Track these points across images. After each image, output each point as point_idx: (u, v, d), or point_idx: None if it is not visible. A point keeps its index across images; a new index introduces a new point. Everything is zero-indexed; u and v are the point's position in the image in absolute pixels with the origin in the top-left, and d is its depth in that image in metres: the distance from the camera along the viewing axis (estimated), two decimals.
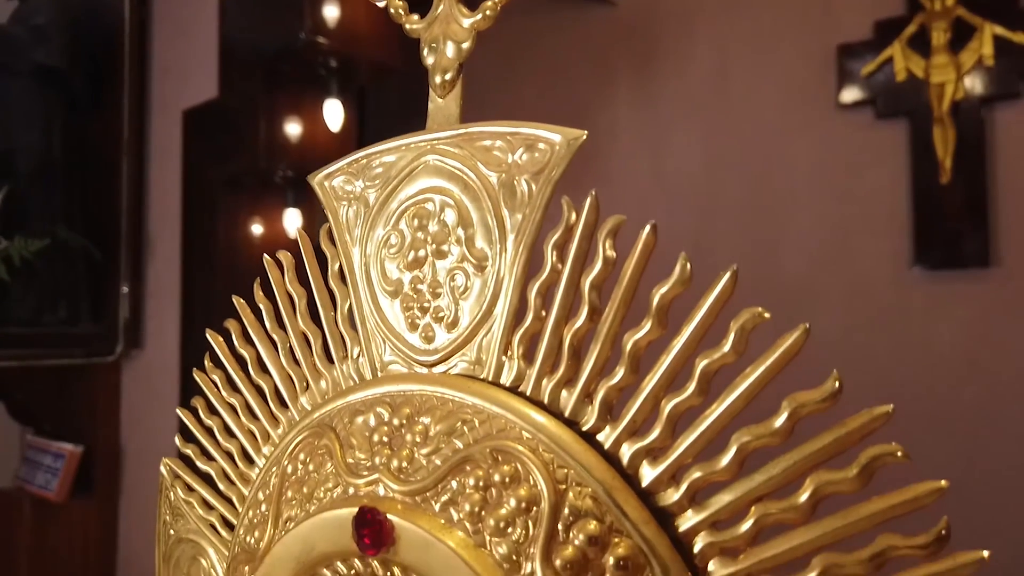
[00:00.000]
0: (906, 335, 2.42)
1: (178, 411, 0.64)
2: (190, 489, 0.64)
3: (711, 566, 0.41)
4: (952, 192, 2.54)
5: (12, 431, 2.99)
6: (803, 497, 0.38)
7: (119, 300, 2.74)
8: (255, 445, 0.59)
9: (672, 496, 0.42)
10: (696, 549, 0.41)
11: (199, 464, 0.62)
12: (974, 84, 2.55)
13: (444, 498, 0.45)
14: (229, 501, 0.61)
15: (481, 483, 0.44)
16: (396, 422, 0.48)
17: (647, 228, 0.41)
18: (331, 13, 2.29)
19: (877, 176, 2.62)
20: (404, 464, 0.47)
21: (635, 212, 0.41)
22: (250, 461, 0.59)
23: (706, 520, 0.41)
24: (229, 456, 0.60)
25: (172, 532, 0.66)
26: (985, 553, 0.35)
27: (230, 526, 0.60)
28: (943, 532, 0.36)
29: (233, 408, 0.60)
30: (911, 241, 2.47)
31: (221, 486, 0.61)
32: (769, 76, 2.83)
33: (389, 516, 0.45)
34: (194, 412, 0.63)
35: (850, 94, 2.74)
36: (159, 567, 0.67)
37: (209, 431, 0.62)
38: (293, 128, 2.41)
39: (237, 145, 2.48)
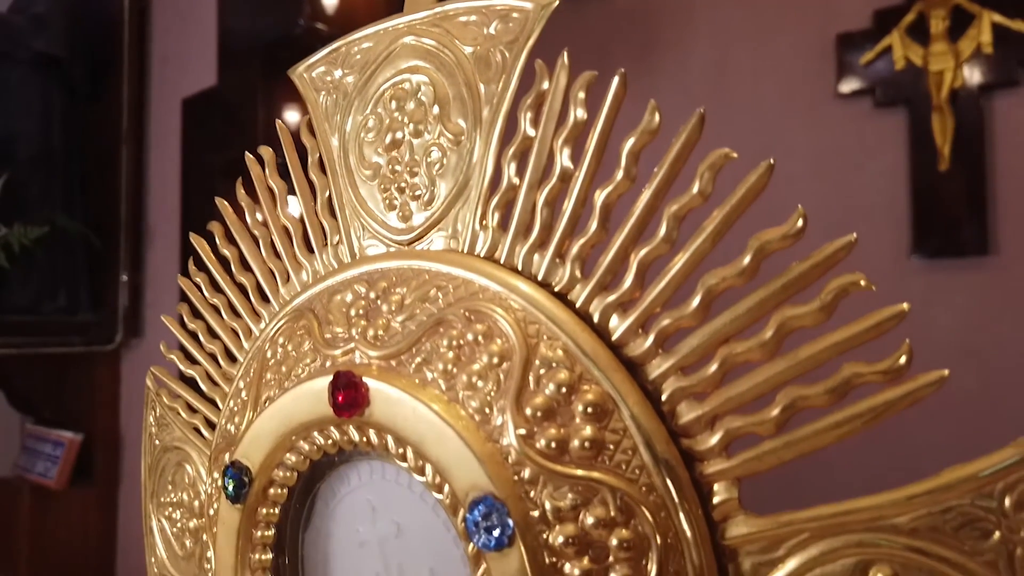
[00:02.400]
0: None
1: (162, 318, 0.64)
2: (175, 396, 0.64)
3: (679, 410, 0.41)
4: (951, 180, 2.54)
5: (12, 420, 2.99)
6: (768, 334, 0.39)
7: (118, 288, 2.75)
8: (237, 343, 0.59)
9: (641, 346, 0.42)
10: (665, 396, 0.41)
11: (184, 369, 0.62)
12: (973, 72, 2.55)
13: (418, 360, 0.45)
14: (213, 403, 0.61)
15: (454, 343, 0.44)
16: (372, 295, 0.49)
17: (616, 79, 0.42)
18: (330, 0, 2.30)
19: (876, 165, 2.62)
20: (380, 332, 0.47)
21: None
22: (233, 360, 0.60)
23: (674, 366, 0.41)
24: (213, 358, 0.61)
25: (158, 442, 0.66)
26: (945, 372, 0.35)
27: (213, 427, 0.60)
28: (905, 357, 0.36)
29: (216, 309, 0.60)
30: (910, 229, 2.47)
31: (204, 388, 0.61)
32: (768, 66, 2.83)
33: (364, 379, 0.45)
34: (179, 319, 0.63)
35: (849, 83, 2.74)
36: (145, 480, 0.68)
37: (193, 335, 0.62)
38: (292, 115, 2.41)
39: (236, 133, 2.48)
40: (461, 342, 0.44)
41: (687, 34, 2.83)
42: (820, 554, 0.37)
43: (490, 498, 0.40)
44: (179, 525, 0.64)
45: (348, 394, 0.45)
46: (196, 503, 0.62)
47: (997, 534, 0.34)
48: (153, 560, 0.67)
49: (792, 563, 0.38)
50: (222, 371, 0.60)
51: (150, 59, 2.77)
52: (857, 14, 2.68)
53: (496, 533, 0.40)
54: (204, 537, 0.60)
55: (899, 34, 2.63)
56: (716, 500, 0.40)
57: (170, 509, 0.65)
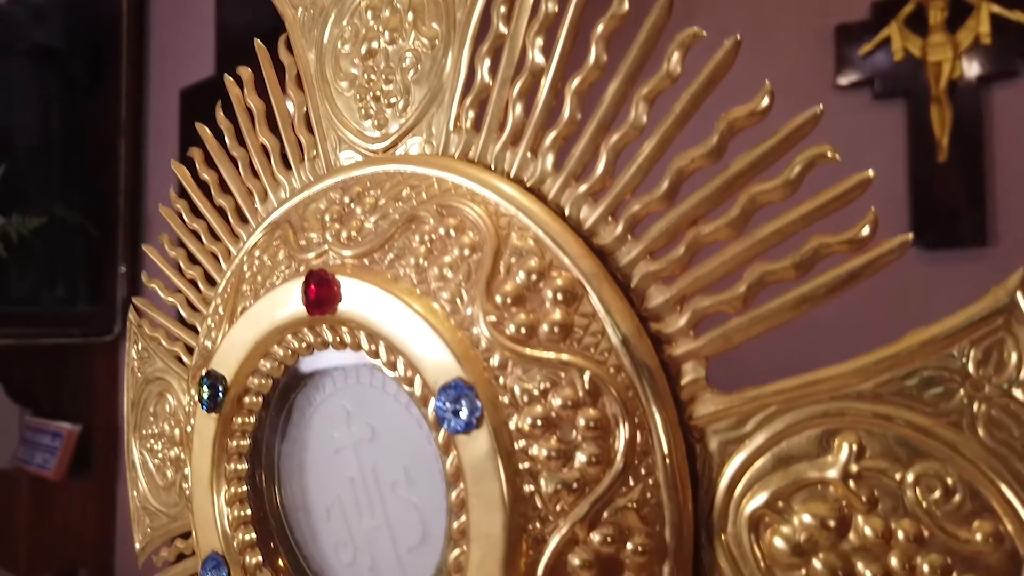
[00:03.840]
0: (903, 314, 2.41)
1: (144, 248, 0.64)
2: (155, 326, 0.64)
3: (649, 294, 0.41)
4: (949, 171, 2.53)
5: (11, 412, 2.99)
6: (735, 211, 0.38)
7: (117, 280, 2.75)
8: (217, 266, 0.59)
9: (612, 233, 0.42)
10: (634, 282, 0.41)
11: (164, 298, 0.62)
12: (971, 63, 2.55)
13: (390, 256, 0.45)
14: (194, 329, 0.61)
15: (426, 237, 0.44)
16: (347, 200, 0.49)
17: None
18: None
19: (874, 157, 2.61)
20: (353, 233, 0.47)
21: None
22: (213, 284, 0.60)
23: (643, 251, 0.41)
24: (193, 284, 0.61)
25: (140, 376, 0.66)
26: (909, 235, 0.35)
27: (193, 353, 0.60)
28: (870, 225, 0.36)
29: (197, 235, 0.60)
30: (908, 220, 2.46)
31: (185, 314, 0.61)
32: (767, 58, 2.83)
33: (337, 277, 0.45)
34: (159, 249, 0.63)
35: (847, 75, 2.73)
36: (127, 415, 0.68)
37: (175, 263, 0.62)
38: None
39: (235, 124, 2.48)
40: (433, 237, 0.44)
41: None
42: (786, 427, 0.37)
43: (459, 382, 0.40)
44: (160, 456, 0.64)
45: (320, 290, 0.45)
46: (176, 431, 0.62)
47: (961, 392, 0.34)
48: (135, 494, 0.67)
49: (759, 438, 0.38)
50: (202, 295, 0.60)
51: (148, 51, 2.78)
52: (855, 6, 2.68)
53: (464, 415, 0.40)
54: (183, 463, 0.60)
55: (898, 25, 2.62)
56: (684, 381, 0.40)
57: (152, 441, 0.65)
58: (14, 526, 2.74)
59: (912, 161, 2.51)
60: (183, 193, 0.62)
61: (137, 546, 0.67)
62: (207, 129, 0.60)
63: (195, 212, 0.61)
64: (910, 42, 2.62)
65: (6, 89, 2.67)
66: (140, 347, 0.67)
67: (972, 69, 2.52)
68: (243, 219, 0.58)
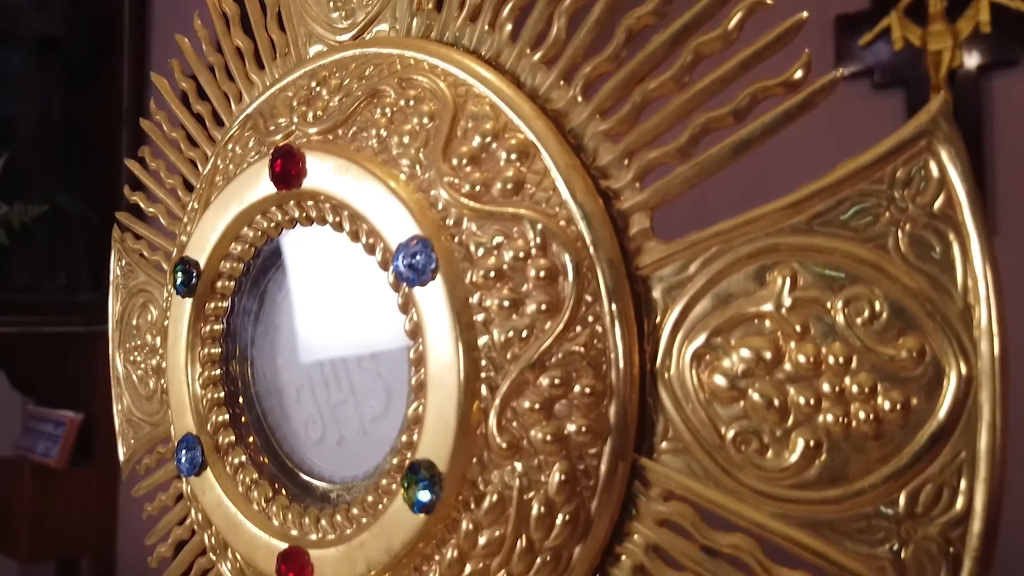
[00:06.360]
0: None
1: (126, 162, 0.66)
2: (138, 238, 0.66)
3: (598, 152, 0.42)
4: None
5: (13, 401, 3.01)
6: (679, 64, 0.40)
7: None
8: (195, 172, 0.61)
9: (564, 97, 0.44)
10: (585, 140, 0.43)
11: (146, 209, 0.64)
12: (971, 52, 2.55)
13: (353, 130, 0.47)
14: (173, 237, 0.63)
15: (387, 110, 0.46)
16: (313, 84, 0.50)
17: None
18: None
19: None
20: (319, 113, 0.49)
21: None
22: (192, 190, 0.61)
23: (593, 111, 0.43)
24: (173, 193, 0.62)
25: (123, 291, 0.68)
26: (839, 72, 0.37)
27: None
28: (803, 68, 0.37)
29: (176, 144, 0.62)
30: None
31: (165, 222, 0.63)
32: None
33: (302, 151, 0.47)
34: (141, 161, 0.65)
35: (847, 66, 2.74)
36: (112, 332, 0.69)
37: (155, 174, 0.64)
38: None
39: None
40: (394, 108, 0.46)
41: (677, 7, 2.85)
42: (725, 266, 0.39)
43: (415, 237, 0.42)
44: (143, 367, 0.66)
45: (286, 164, 0.47)
46: (158, 339, 0.64)
47: (887, 215, 0.35)
48: (119, 408, 0.69)
49: (700, 280, 0.39)
50: (181, 203, 0.62)
51: (150, 40, 2.81)
52: None
53: (420, 266, 0.42)
54: (164, 370, 0.61)
55: (897, 15, 2.63)
56: (631, 232, 0.41)
57: (135, 354, 0.67)
58: (17, 514, 2.76)
59: None
60: (162, 105, 0.63)
61: (121, 458, 0.68)
62: (186, 40, 0.62)
63: (174, 122, 0.62)
64: (910, 31, 2.63)
65: (8, 78, 2.69)
66: (124, 263, 0.68)
67: (972, 58, 2.52)
68: (220, 123, 0.60)
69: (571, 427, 0.40)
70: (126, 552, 2.87)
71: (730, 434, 0.38)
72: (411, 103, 0.45)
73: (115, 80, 2.77)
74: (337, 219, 0.46)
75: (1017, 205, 2.40)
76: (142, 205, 0.65)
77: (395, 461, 0.44)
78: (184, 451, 0.52)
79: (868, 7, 2.67)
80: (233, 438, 0.52)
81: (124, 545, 2.88)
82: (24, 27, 2.69)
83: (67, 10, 2.75)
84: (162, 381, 0.60)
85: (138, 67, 2.79)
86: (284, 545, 0.47)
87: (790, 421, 0.37)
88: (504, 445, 0.40)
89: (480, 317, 0.41)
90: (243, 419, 0.53)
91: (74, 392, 2.86)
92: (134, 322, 0.67)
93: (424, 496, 0.41)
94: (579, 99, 0.43)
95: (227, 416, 0.52)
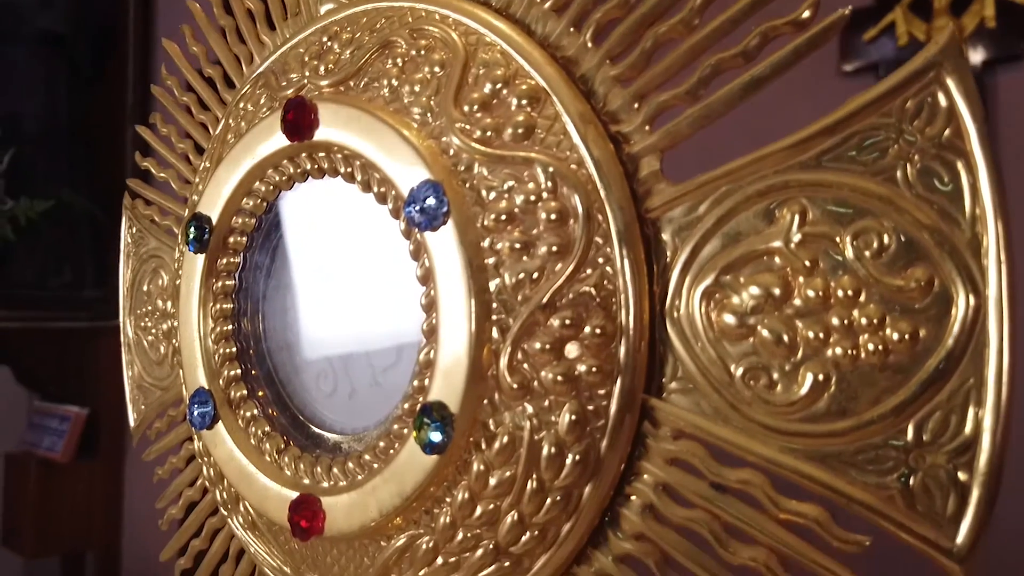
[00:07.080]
0: None
1: (137, 128, 0.66)
2: (148, 204, 0.66)
3: (609, 97, 0.43)
4: None
5: (19, 396, 3.02)
6: (688, 7, 0.40)
7: None
8: (207, 136, 0.61)
9: (575, 43, 0.44)
10: (595, 85, 0.43)
11: (157, 175, 0.65)
12: (976, 47, 2.54)
13: (365, 80, 0.47)
14: (184, 201, 0.63)
15: (399, 60, 0.46)
16: (325, 39, 0.51)
17: None
18: None
19: (883, 80, 2.61)
20: (331, 66, 0.49)
21: None
22: (203, 154, 0.62)
23: (603, 56, 0.43)
24: (184, 157, 0.63)
25: (134, 258, 0.68)
26: (847, 9, 0.37)
27: None
28: (811, 8, 0.38)
29: (187, 109, 0.63)
30: None
31: (176, 187, 0.63)
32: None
33: (315, 102, 0.47)
34: (152, 127, 0.65)
35: (852, 61, 2.73)
36: (123, 301, 0.70)
37: (166, 139, 0.64)
38: None
39: None
40: (405, 59, 0.46)
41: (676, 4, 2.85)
42: (735, 205, 0.39)
43: (426, 182, 0.42)
44: (153, 333, 0.66)
45: (298, 115, 0.47)
46: (169, 304, 0.64)
47: (895, 148, 0.36)
48: (130, 375, 0.69)
49: (709, 220, 0.40)
50: (192, 167, 0.62)
51: (155, 36, 2.82)
52: None
53: (432, 210, 0.42)
54: (175, 333, 0.62)
55: (902, 10, 2.63)
56: (641, 175, 0.42)
57: (146, 320, 0.67)
58: (22, 509, 2.76)
59: None
60: (173, 70, 0.64)
61: (132, 424, 0.69)
62: (197, 4, 0.62)
63: (186, 86, 0.63)
64: (915, 26, 2.62)
65: (13, 75, 2.70)
66: (134, 230, 0.69)
67: (977, 53, 2.52)
68: (231, 87, 0.60)
69: (581, 367, 0.40)
70: (131, 547, 2.87)
71: (739, 371, 0.38)
72: (422, 52, 0.46)
73: (120, 77, 2.77)
74: (349, 169, 0.47)
75: (1022, 198, 2.40)
76: (152, 171, 0.65)
77: (407, 406, 0.44)
78: (196, 406, 0.52)
79: (873, 2, 2.67)
80: (245, 392, 0.53)
81: (129, 540, 2.88)
82: (29, 24, 2.70)
83: (72, 7, 2.75)
84: (174, 341, 0.60)
85: (143, 64, 2.80)
86: (296, 494, 0.48)
87: (799, 355, 0.37)
88: (515, 386, 0.41)
89: (491, 260, 0.42)
90: (254, 373, 0.53)
91: (79, 387, 2.86)
92: (145, 288, 0.67)
93: (436, 437, 0.41)
94: (589, 45, 0.43)
95: (239, 371, 0.53)
